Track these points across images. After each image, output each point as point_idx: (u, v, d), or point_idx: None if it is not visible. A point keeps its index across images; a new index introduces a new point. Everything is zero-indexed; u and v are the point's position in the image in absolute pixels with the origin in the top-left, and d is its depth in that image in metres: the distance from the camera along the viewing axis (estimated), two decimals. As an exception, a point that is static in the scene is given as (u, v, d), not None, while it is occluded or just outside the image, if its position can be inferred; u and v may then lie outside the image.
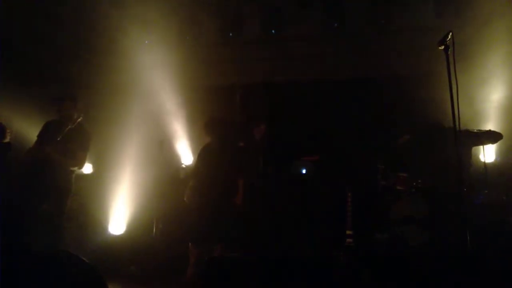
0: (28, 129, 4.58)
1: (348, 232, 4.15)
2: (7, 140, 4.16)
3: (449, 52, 2.66)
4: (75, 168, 3.67)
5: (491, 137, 4.13)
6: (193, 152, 5.16)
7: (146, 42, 5.85)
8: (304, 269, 3.98)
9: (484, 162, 4.33)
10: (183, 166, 5.05)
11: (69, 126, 3.60)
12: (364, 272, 3.75)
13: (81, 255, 1.87)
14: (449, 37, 2.66)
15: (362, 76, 5.43)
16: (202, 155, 4.04)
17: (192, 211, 3.91)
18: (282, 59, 5.68)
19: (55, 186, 3.49)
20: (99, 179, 4.92)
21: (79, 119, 3.69)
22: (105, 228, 4.72)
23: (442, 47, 2.67)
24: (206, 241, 3.81)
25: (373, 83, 5.30)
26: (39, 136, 3.72)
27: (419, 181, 4.19)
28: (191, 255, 3.85)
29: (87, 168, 5.31)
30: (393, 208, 4.18)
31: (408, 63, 5.07)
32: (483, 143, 4.17)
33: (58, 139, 3.47)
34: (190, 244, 3.85)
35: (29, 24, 5.19)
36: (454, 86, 2.57)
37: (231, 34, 5.93)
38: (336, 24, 5.61)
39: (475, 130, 4.11)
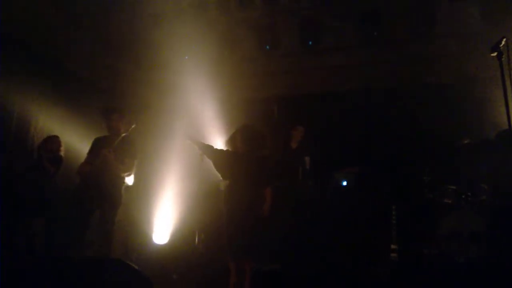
0: (77, 142, 4.81)
1: (392, 246, 4.02)
2: (61, 153, 4.38)
3: (502, 59, 2.54)
4: (125, 174, 3.78)
5: None
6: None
7: (186, 57, 6.01)
8: (346, 284, 3.88)
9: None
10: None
11: (123, 134, 3.73)
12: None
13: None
14: (503, 42, 2.54)
15: (404, 84, 5.29)
16: (230, 160, 3.98)
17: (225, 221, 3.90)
18: (320, 70, 5.66)
19: (108, 195, 3.61)
20: (144, 190, 5.06)
21: (133, 126, 3.81)
22: (149, 238, 4.84)
23: (495, 54, 2.56)
24: (237, 253, 3.78)
25: (417, 91, 5.15)
26: (89, 152, 3.85)
27: (469, 194, 4.00)
28: (230, 265, 3.84)
29: (130, 180, 5.49)
30: (441, 223, 4.01)
31: (454, 69, 4.89)
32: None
33: (111, 149, 3.62)
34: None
35: (79, 43, 5.47)
36: (510, 94, 2.45)
37: (268, 47, 5.99)
38: (375, 33, 5.55)
39: None
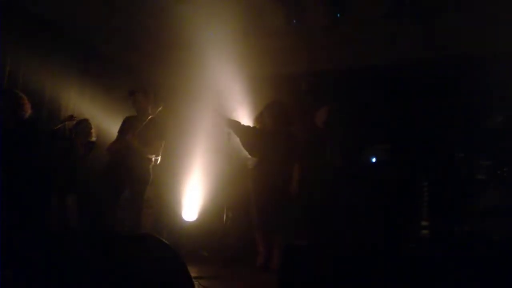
0: (107, 122, 4.91)
1: (423, 223, 3.96)
2: (93, 138, 4.49)
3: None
4: (153, 156, 3.84)
5: None
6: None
7: (211, 34, 5.92)
8: (376, 260, 3.86)
9: None
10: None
11: (150, 117, 3.77)
12: (441, 267, 3.55)
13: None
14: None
15: (438, 56, 5.03)
16: (258, 137, 3.97)
17: (253, 198, 3.92)
18: (349, 44, 5.45)
19: (136, 175, 3.69)
20: (172, 168, 5.14)
21: (160, 109, 3.84)
22: (178, 215, 4.96)
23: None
24: (265, 230, 3.82)
25: (450, 64, 4.90)
26: (119, 131, 3.94)
27: (505, 169, 3.85)
28: (258, 242, 3.89)
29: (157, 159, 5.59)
30: (475, 199, 3.89)
31: (487, 39, 4.59)
32: None
33: (138, 130, 3.68)
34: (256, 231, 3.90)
35: (102, 23, 5.48)
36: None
37: (294, 21, 5.80)
38: (407, 1, 5.26)
39: None
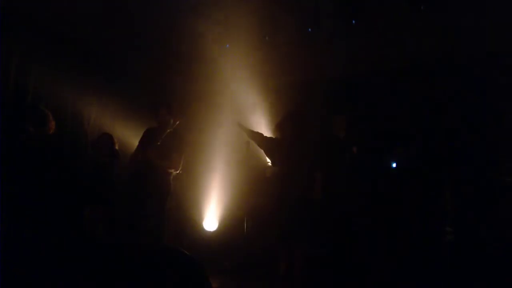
0: (129, 136, 5.01)
1: (448, 229, 3.87)
2: (116, 147, 4.60)
3: None
4: (171, 171, 3.89)
5: None
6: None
7: (227, 46, 6.00)
8: (400, 268, 3.79)
9: None
10: (269, 164, 5.13)
11: (168, 130, 3.83)
12: (466, 273, 3.47)
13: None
14: None
15: (461, 58, 4.93)
16: (280, 146, 3.98)
17: (273, 208, 3.91)
18: (365, 50, 5.43)
19: (157, 186, 3.75)
20: (192, 178, 5.19)
21: (177, 123, 3.90)
22: (199, 225, 4.99)
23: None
24: (288, 239, 3.80)
25: (476, 65, 4.77)
26: (140, 142, 4.02)
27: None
28: (279, 251, 3.88)
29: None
30: (501, 203, 3.79)
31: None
32: None
33: (158, 143, 3.74)
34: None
35: (122, 39, 5.63)
36: None
37: (309, 30, 5.82)
38: (422, 7, 5.21)
39: None
